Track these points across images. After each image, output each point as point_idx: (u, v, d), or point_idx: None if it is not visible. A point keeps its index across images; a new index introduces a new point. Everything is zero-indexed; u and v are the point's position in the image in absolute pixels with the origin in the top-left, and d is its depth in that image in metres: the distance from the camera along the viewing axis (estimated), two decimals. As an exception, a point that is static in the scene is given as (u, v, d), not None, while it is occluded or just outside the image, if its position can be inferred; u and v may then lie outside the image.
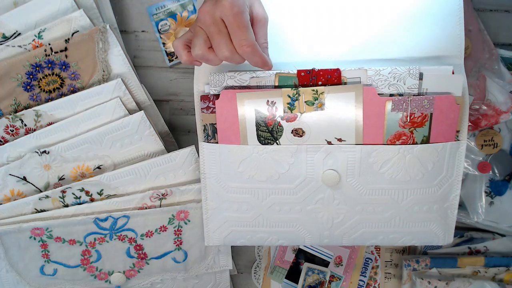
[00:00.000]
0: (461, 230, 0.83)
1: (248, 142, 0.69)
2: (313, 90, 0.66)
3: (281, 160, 0.69)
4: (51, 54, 0.74)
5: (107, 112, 0.75)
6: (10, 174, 0.75)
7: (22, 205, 0.75)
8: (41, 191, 0.76)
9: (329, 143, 0.68)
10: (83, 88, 0.76)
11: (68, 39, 0.74)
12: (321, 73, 0.66)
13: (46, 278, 0.77)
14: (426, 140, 0.67)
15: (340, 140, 0.67)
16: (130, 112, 0.76)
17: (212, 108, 0.68)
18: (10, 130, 0.76)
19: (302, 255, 0.84)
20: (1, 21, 0.74)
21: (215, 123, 0.69)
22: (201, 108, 0.69)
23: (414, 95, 0.65)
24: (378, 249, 0.84)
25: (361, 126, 0.66)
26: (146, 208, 0.75)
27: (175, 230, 0.77)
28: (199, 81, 0.71)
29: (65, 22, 0.74)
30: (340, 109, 0.66)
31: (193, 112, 0.85)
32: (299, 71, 0.67)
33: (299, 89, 0.66)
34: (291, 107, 0.67)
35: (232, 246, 0.80)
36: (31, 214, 0.75)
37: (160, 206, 0.76)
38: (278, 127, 0.68)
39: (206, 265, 0.80)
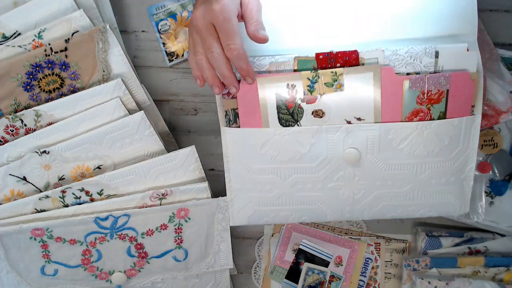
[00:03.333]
0: (461, 230, 0.83)
1: (270, 124, 0.71)
2: (332, 72, 0.68)
3: (302, 140, 0.71)
4: (51, 54, 0.74)
5: (107, 112, 0.75)
6: (10, 174, 0.75)
7: (22, 205, 0.75)
8: (41, 191, 0.76)
9: (349, 122, 0.70)
10: (83, 88, 0.76)
11: (68, 39, 0.74)
12: (339, 55, 0.68)
13: (47, 279, 0.78)
14: (442, 116, 0.69)
15: (359, 119, 0.69)
16: (130, 112, 0.76)
17: (232, 94, 0.69)
18: (10, 130, 0.76)
19: (302, 255, 0.84)
20: (1, 21, 0.74)
21: (237, 108, 0.71)
22: (223, 94, 0.71)
23: (430, 73, 0.67)
24: (378, 249, 0.84)
25: (380, 105, 0.68)
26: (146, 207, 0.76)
27: (175, 228, 0.77)
28: None
29: (65, 22, 0.74)
30: (358, 89, 0.68)
31: (193, 112, 0.85)
32: (317, 54, 0.68)
33: (318, 71, 0.68)
34: (311, 89, 0.68)
35: (232, 247, 0.80)
36: (31, 214, 0.75)
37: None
38: (299, 109, 0.70)
39: (207, 263, 0.80)
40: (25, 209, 0.75)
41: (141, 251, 0.77)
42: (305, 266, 0.84)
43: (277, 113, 0.70)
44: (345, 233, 0.85)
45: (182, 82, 0.85)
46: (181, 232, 0.77)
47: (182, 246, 0.78)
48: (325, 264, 0.83)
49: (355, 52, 0.68)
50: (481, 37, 0.77)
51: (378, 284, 0.84)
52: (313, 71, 0.68)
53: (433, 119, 0.69)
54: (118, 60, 0.76)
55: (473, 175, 0.73)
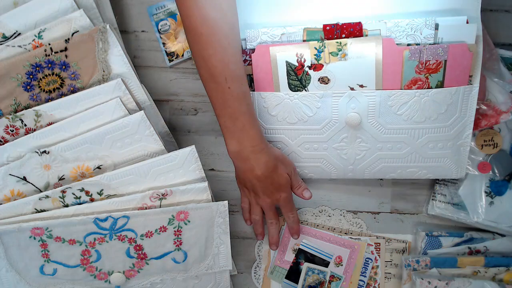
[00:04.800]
0: (461, 230, 0.83)
1: (281, 89, 0.77)
2: (337, 42, 0.73)
3: (309, 104, 0.76)
4: (51, 54, 0.74)
5: (107, 112, 0.75)
6: (10, 174, 0.75)
7: (22, 205, 0.75)
8: (41, 191, 0.76)
9: (352, 89, 0.75)
10: (83, 88, 0.76)
11: (68, 39, 0.74)
12: (344, 26, 0.73)
13: (46, 278, 0.77)
14: (440, 85, 0.73)
15: (361, 86, 0.74)
16: (130, 112, 0.76)
17: (248, 61, 0.76)
18: (10, 130, 0.76)
19: (302, 255, 0.84)
20: (1, 21, 0.74)
21: (252, 74, 0.77)
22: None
23: (430, 44, 0.71)
24: (378, 249, 0.84)
25: (381, 73, 0.73)
26: (146, 208, 0.75)
27: (175, 231, 0.76)
28: None
29: (65, 22, 0.74)
30: (361, 58, 0.73)
31: (193, 112, 0.85)
32: (324, 26, 0.74)
33: (325, 41, 0.73)
34: (317, 58, 0.74)
35: (232, 247, 0.80)
36: (31, 214, 0.75)
37: (160, 206, 0.76)
38: (306, 76, 0.75)
39: (206, 265, 0.80)
40: (25, 209, 0.75)
41: (140, 252, 0.77)
42: (305, 266, 0.83)
43: (287, 79, 0.76)
44: (345, 233, 0.85)
45: (182, 82, 0.85)
46: (180, 235, 0.77)
47: (181, 248, 0.78)
48: (325, 264, 0.83)
49: (359, 24, 0.72)
50: (481, 37, 0.77)
51: (378, 284, 0.84)
52: (320, 41, 0.73)
53: (431, 88, 0.73)
54: (118, 60, 0.76)
55: (470, 142, 0.77)
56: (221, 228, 0.78)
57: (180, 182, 0.77)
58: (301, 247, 0.84)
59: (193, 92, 0.85)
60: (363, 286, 0.84)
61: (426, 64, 0.72)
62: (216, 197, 0.82)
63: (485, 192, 0.80)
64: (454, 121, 0.75)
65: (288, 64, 0.75)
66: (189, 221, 0.76)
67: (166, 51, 0.83)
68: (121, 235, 0.75)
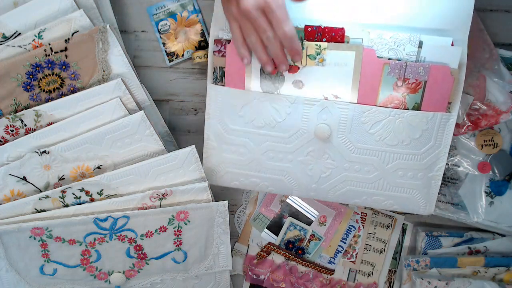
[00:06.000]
0: (461, 230, 0.83)
1: (252, 88, 0.73)
2: (316, 45, 0.70)
3: (279, 108, 0.73)
4: (51, 54, 0.74)
5: (107, 112, 0.75)
6: (10, 174, 0.75)
7: (22, 205, 0.75)
8: (41, 191, 0.76)
9: (326, 98, 0.72)
10: (83, 88, 0.76)
11: (68, 39, 0.74)
12: (326, 30, 0.70)
13: (46, 278, 0.77)
14: (417, 107, 0.70)
15: (336, 97, 0.71)
16: (130, 112, 0.76)
17: (223, 52, 0.73)
18: (10, 130, 0.76)
19: (287, 208, 0.84)
20: (1, 21, 0.74)
21: (224, 67, 0.74)
22: (214, 51, 0.74)
23: (411, 62, 0.68)
24: (364, 219, 0.84)
25: (357, 86, 0.70)
26: (146, 208, 0.75)
27: (175, 231, 0.77)
28: (216, 27, 0.75)
29: (65, 22, 0.74)
30: (339, 66, 0.70)
31: (193, 112, 0.85)
32: (306, 26, 0.70)
33: (304, 42, 0.70)
34: None
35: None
36: (31, 214, 0.75)
37: (160, 206, 0.76)
38: (280, 76, 0.72)
39: (206, 265, 0.80)
40: (25, 209, 0.75)
41: (140, 252, 0.77)
42: (288, 220, 0.84)
43: (260, 77, 0.73)
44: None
45: (182, 82, 0.85)
46: (180, 235, 0.77)
47: (181, 248, 0.78)
48: (309, 222, 0.83)
49: (342, 30, 0.70)
50: (481, 37, 0.77)
51: (356, 254, 0.84)
52: (299, 41, 0.69)
53: (408, 109, 0.70)
54: (118, 60, 0.76)
55: (442, 176, 0.73)
56: (221, 228, 0.78)
57: (180, 182, 0.77)
58: (288, 200, 0.84)
59: (193, 92, 0.85)
60: (340, 252, 0.84)
61: (405, 83, 0.69)
62: (216, 197, 0.82)
63: (485, 192, 0.80)
64: (427, 150, 0.72)
65: None
66: (189, 221, 0.76)
67: (166, 51, 0.83)
68: (121, 235, 0.76)
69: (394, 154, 0.72)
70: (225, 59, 0.73)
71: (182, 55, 0.83)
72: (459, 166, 0.81)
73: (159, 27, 0.82)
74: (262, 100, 0.73)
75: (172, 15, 0.82)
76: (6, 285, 0.78)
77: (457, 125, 0.77)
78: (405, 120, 0.70)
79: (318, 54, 0.70)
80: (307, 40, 0.70)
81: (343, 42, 0.70)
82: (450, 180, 0.83)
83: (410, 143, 0.71)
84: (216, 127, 0.76)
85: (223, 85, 0.75)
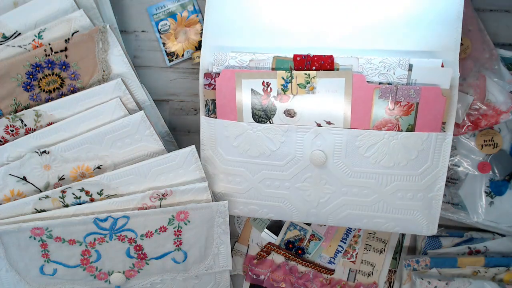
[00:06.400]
0: (461, 230, 0.83)
1: (244, 119, 0.74)
2: (306, 74, 0.70)
3: (273, 138, 0.73)
4: (51, 54, 0.74)
5: (107, 112, 0.75)
6: (10, 174, 0.75)
7: (22, 205, 0.75)
8: (41, 191, 0.76)
9: (319, 125, 0.72)
10: (83, 88, 0.76)
11: (68, 39, 0.74)
12: (315, 58, 0.70)
13: (46, 278, 0.77)
14: (411, 129, 0.70)
15: (329, 123, 0.71)
16: (130, 112, 0.76)
17: (213, 85, 0.73)
18: (10, 130, 0.76)
19: None
20: (1, 21, 0.74)
21: (215, 99, 0.74)
22: (204, 84, 0.75)
23: (402, 85, 0.68)
24: None
25: (350, 111, 0.70)
26: (146, 208, 0.75)
27: (175, 231, 0.76)
28: (205, 59, 0.76)
29: (65, 22, 0.75)
30: (330, 93, 0.70)
31: (193, 112, 0.85)
32: (295, 56, 0.71)
33: (293, 72, 0.70)
34: (284, 88, 0.71)
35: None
36: (31, 214, 0.75)
37: (160, 206, 0.76)
38: (272, 106, 0.72)
39: (206, 265, 0.80)
40: (25, 209, 0.75)
41: (140, 252, 0.77)
42: (288, 220, 0.83)
43: (252, 108, 0.73)
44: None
45: (182, 82, 0.85)
46: (180, 235, 0.77)
47: (181, 248, 0.78)
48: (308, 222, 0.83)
49: (331, 57, 0.70)
50: (481, 37, 0.77)
51: (356, 254, 0.84)
52: (288, 71, 0.70)
53: (402, 131, 0.70)
54: (118, 60, 0.76)
55: (442, 195, 0.73)
56: (221, 228, 0.78)
57: (180, 182, 0.77)
58: None
59: (193, 92, 0.85)
60: (340, 252, 0.84)
61: (397, 105, 0.69)
62: (216, 197, 0.82)
63: (485, 192, 0.80)
64: (425, 170, 0.71)
65: (253, 92, 0.72)
66: (189, 221, 0.76)
67: (166, 51, 0.83)
68: (121, 235, 0.75)
69: (391, 176, 0.72)
70: (215, 92, 0.73)
71: (182, 55, 0.83)
72: (459, 166, 0.81)
73: (159, 27, 0.82)
74: (255, 131, 0.73)
75: (172, 15, 0.82)
76: (6, 285, 0.78)
77: (457, 125, 0.77)
78: (400, 141, 0.70)
79: (308, 82, 0.70)
80: (297, 70, 0.71)
81: (332, 69, 0.70)
82: (450, 180, 0.83)
83: (407, 164, 0.71)
84: (211, 158, 0.78)
85: (216, 117, 0.75)
